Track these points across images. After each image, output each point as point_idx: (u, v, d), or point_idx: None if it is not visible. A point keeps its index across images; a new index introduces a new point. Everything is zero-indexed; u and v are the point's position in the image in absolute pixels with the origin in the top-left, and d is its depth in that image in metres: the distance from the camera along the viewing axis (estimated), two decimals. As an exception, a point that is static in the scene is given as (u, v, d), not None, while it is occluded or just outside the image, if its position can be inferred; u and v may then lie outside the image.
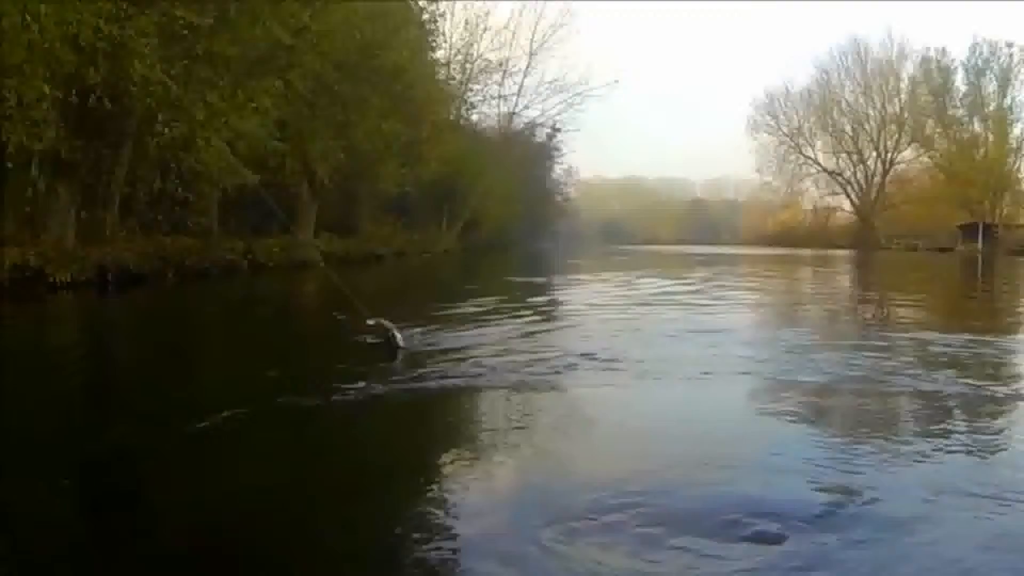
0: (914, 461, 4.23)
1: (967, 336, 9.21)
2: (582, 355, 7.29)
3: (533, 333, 9.16)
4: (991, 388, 6.24)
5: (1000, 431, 5.07)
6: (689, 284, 20.08)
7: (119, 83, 17.13)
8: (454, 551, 3.08)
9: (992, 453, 4.47)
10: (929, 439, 4.67)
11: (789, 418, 5.28)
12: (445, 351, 7.53)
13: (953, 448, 4.46)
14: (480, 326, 9.61)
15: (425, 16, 38.53)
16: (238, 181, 22.50)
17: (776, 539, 3.07)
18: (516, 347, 7.85)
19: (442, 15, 43.31)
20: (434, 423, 5.47)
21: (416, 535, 3.20)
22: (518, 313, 11.59)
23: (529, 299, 14.63)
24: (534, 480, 3.96)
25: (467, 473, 4.12)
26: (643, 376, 6.52)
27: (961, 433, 4.83)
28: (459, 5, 53.60)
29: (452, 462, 4.38)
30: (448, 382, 6.20)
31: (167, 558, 3.07)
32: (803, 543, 3.04)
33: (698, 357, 7.33)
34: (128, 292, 16.55)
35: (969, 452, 4.42)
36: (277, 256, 24.56)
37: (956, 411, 5.46)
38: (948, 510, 3.45)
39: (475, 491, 3.80)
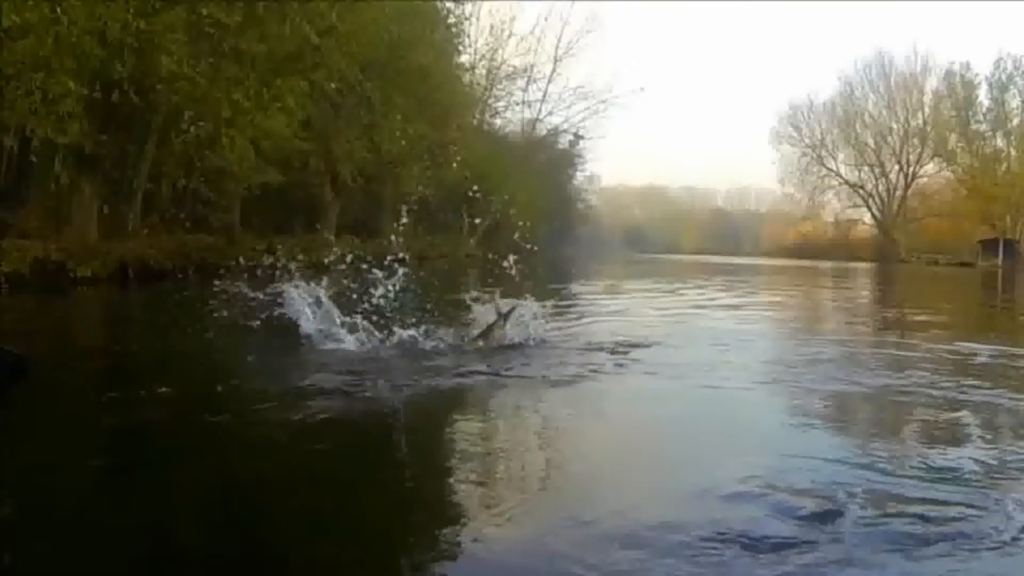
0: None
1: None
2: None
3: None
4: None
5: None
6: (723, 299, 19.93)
7: (145, 79, 17.14)
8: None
9: None
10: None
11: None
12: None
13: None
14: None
15: (452, 19, 38.52)
16: (261, 179, 22.51)
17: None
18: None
19: (468, 18, 43.32)
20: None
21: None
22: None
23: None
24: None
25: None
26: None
27: None
28: (485, 9, 53.62)
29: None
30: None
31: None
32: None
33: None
34: (149, 288, 16.49)
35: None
36: (299, 256, 24.48)
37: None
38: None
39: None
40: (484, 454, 4.46)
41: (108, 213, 18.85)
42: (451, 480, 3.92)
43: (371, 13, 23.61)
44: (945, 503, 3.46)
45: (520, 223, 26.68)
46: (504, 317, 7.97)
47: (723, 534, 3.09)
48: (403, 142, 31.20)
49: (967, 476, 3.90)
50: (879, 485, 3.69)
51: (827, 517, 3.28)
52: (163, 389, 5.57)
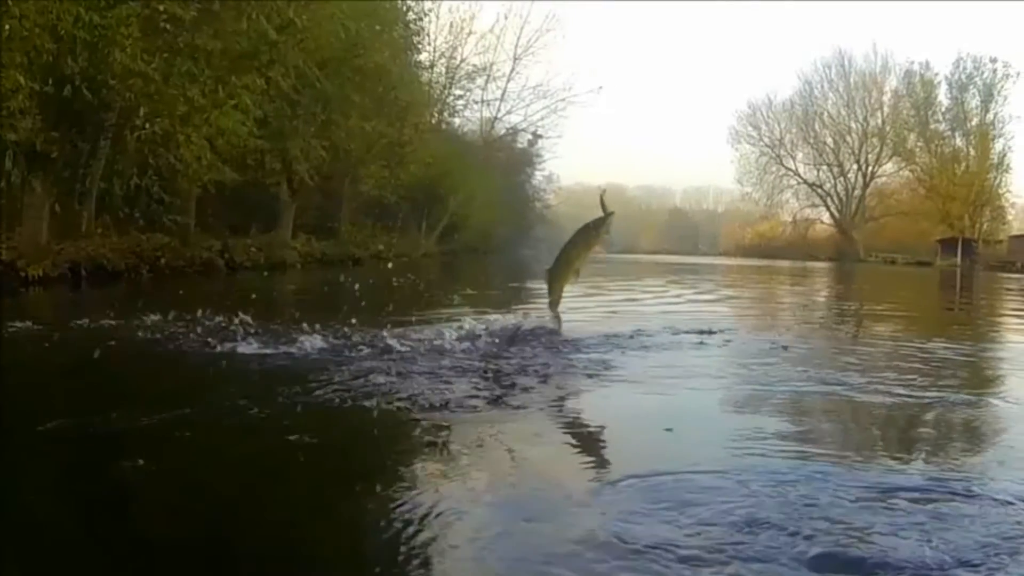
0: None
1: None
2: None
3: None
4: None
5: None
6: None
7: (98, 74, 16.82)
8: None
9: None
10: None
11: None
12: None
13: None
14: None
15: (411, 16, 38.35)
16: (217, 178, 22.20)
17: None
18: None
19: (428, 13, 43.17)
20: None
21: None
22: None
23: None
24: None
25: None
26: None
27: None
28: (444, 8, 53.46)
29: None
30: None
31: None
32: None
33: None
34: (102, 288, 16.19)
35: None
36: (255, 256, 24.27)
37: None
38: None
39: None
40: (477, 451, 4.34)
41: (60, 212, 18.45)
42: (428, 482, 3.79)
43: (328, 10, 23.41)
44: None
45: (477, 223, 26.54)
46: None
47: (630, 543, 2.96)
48: (361, 141, 31.02)
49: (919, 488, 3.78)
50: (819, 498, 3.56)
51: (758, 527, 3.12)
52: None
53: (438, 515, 3.20)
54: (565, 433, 4.89)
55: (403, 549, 2.91)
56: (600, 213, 8.54)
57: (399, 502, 3.37)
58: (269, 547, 3.09)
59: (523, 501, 3.47)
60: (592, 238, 8.38)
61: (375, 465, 4.06)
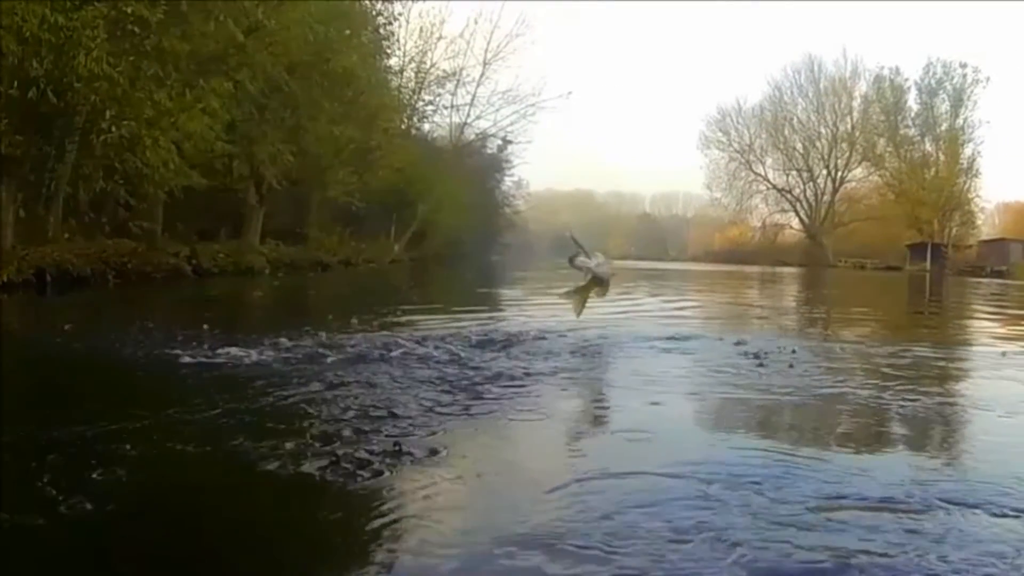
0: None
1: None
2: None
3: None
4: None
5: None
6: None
7: (64, 77, 16.63)
8: None
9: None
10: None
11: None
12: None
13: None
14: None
15: (381, 20, 38.20)
16: (183, 183, 21.99)
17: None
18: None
19: (398, 18, 43.01)
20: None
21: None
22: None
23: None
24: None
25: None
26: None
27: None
28: (414, 12, 53.26)
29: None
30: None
31: None
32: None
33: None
34: (67, 294, 16.00)
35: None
36: (223, 261, 24.07)
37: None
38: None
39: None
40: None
41: (25, 217, 18.21)
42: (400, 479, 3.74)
43: (297, 13, 23.25)
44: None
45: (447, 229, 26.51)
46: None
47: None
48: (329, 145, 30.87)
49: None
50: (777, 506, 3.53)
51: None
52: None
53: (394, 521, 3.19)
54: (527, 438, 4.85)
55: (359, 553, 2.92)
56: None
57: (358, 508, 3.35)
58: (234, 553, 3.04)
59: (474, 504, 3.48)
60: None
61: (337, 473, 3.98)
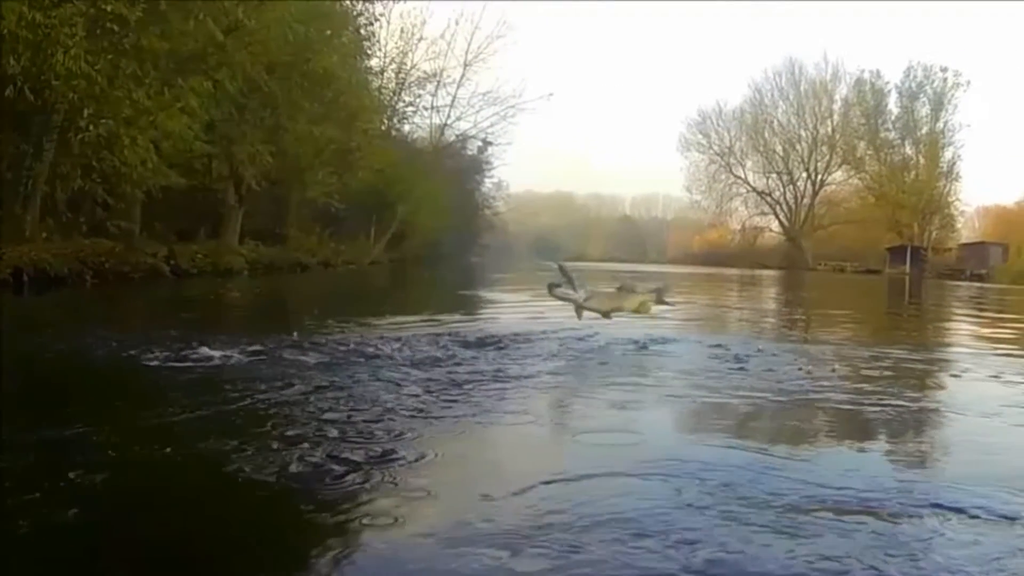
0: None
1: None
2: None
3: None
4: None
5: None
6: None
7: (41, 75, 16.52)
8: None
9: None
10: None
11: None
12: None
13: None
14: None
15: (361, 20, 38.13)
16: (162, 183, 21.90)
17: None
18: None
19: (379, 18, 42.97)
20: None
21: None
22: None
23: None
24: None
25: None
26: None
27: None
28: (395, 13, 53.18)
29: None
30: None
31: None
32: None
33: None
34: (45, 294, 15.90)
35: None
36: (201, 262, 23.97)
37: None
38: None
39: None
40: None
41: (3, 216, 18.09)
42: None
43: (277, 12, 23.17)
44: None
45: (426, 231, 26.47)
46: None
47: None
48: (309, 146, 30.79)
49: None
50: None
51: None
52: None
53: (364, 521, 3.21)
54: (502, 439, 4.86)
55: (323, 554, 2.91)
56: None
57: (332, 509, 3.35)
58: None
59: (444, 504, 3.48)
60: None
61: (308, 475, 3.98)
